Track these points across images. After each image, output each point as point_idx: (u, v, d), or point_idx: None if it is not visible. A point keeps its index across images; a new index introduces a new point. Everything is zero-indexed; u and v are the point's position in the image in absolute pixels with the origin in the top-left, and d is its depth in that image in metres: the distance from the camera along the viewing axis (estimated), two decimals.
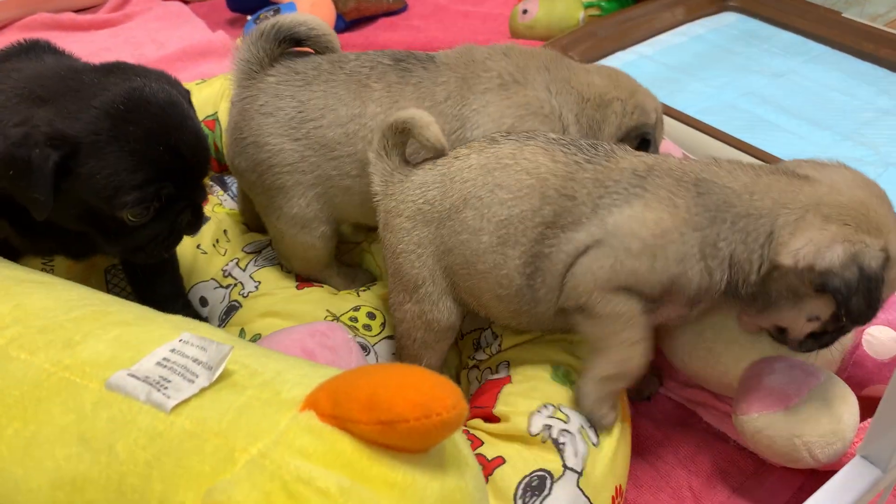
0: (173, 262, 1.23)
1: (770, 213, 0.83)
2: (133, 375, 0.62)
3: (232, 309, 1.22)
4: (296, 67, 1.14)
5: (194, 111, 1.00)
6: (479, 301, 0.98)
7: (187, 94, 1.01)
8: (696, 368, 1.05)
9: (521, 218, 0.91)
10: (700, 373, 1.06)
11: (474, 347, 1.11)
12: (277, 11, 2.02)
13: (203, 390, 0.61)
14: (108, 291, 1.27)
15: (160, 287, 1.22)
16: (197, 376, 0.62)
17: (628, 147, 0.97)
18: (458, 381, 1.13)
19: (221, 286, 1.27)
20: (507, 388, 0.96)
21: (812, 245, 0.81)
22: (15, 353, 0.68)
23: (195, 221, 1.00)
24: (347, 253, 1.37)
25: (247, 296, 1.23)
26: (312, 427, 0.56)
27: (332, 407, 0.57)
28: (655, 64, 1.90)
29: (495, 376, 1.00)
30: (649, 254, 0.85)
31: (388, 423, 0.55)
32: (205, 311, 1.27)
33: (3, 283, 0.80)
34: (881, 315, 0.92)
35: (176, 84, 1.00)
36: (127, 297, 1.25)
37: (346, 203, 1.15)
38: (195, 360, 0.63)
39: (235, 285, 1.26)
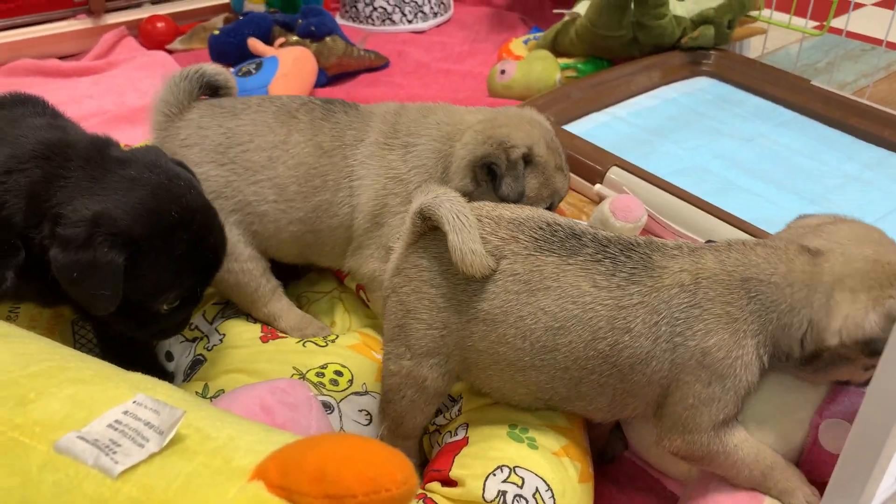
0: None
1: (806, 302, 0.86)
2: (83, 438, 0.62)
3: (197, 363, 1.21)
4: (221, 103, 1.25)
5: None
6: (495, 389, 0.98)
7: (193, 174, 1.07)
8: (655, 461, 1.07)
9: (570, 349, 0.90)
10: (660, 465, 1.07)
11: (434, 412, 1.11)
12: (260, 65, 2.05)
13: (152, 456, 0.60)
14: (75, 341, 1.26)
15: (126, 338, 1.21)
16: (147, 440, 0.61)
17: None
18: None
19: (187, 339, 1.26)
20: (464, 451, 0.96)
21: (849, 320, 0.84)
22: None
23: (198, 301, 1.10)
24: (316, 302, 1.37)
25: (211, 349, 1.22)
26: (260, 498, 0.56)
27: (280, 478, 0.57)
28: (629, 125, 1.94)
29: (454, 439, 1.00)
30: (720, 379, 0.87)
31: (336, 498, 0.54)
32: (171, 366, 1.26)
33: None
34: (838, 408, 0.94)
35: (196, 178, 1.07)
36: (93, 348, 1.25)
37: (264, 231, 1.22)
38: (147, 424, 0.63)
39: (201, 339, 1.25)
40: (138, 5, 2.52)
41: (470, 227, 0.89)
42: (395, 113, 1.26)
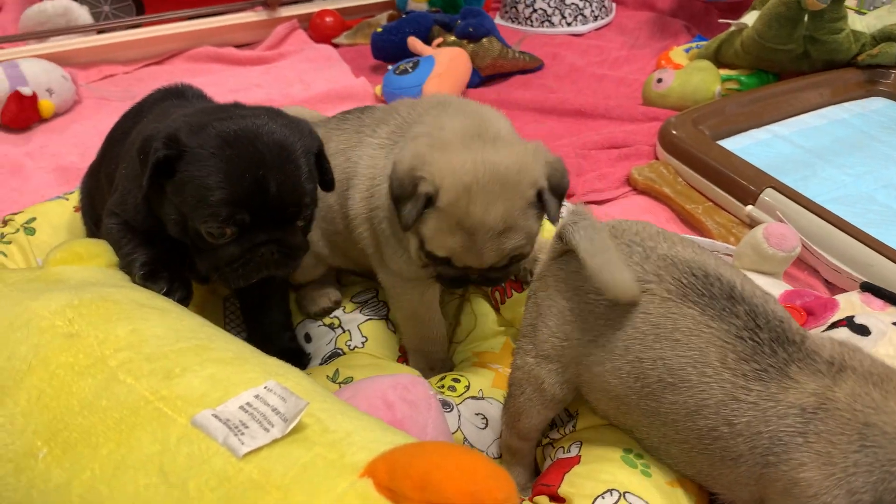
0: (282, 295, 1.31)
1: None
2: (216, 416, 0.67)
3: (335, 355, 1.29)
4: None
5: (321, 162, 1.06)
6: (602, 412, 0.97)
7: (318, 144, 1.06)
8: None
9: (674, 409, 0.86)
10: None
11: (549, 425, 1.11)
12: (416, 64, 2.11)
13: (275, 441, 0.65)
14: (224, 317, 1.36)
15: (268, 318, 1.30)
16: (273, 426, 0.66)
17: (813, 355, 0.82)
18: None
19: (325, 325, 1.34)
20: (575, 469, 0.95)
21: None
22: (122, 376, 0.75)
23: (282, 261, 1.04)
24: (449, 303, 1.40)
25: (353, 349, 1.30)
26: (367, 497, 0.59)
27: (388, 479, 0.59)
28: (790, 145, 1.84)
29: (566, 455, 1.00)
30: None
31: None
32: (309, 348, 1.33)
33: (125, 305, 0.88)
34: None
35: (307, 134, 1.06)
36: (240, 325, 1.35)
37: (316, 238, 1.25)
38: (274, 410, 0.68)
39: (343, 332, 1.32)
40: (311, 0, 2.65)
41: (606, 246, 0.87)
42: (418, 107, 1.17)
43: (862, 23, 2.05)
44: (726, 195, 1.65)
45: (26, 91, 2.07)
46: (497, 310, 1.34)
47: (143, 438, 0.67)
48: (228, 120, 0.99)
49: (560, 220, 0.95)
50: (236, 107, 1.08)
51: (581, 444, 1.01)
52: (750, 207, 1.60)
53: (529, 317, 1.00)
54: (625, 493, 0.90)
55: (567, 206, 1.23)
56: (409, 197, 1.00)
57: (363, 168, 1.18)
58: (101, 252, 1.09)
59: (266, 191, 0.97)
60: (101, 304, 0.87)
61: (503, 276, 1.08)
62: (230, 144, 0.97)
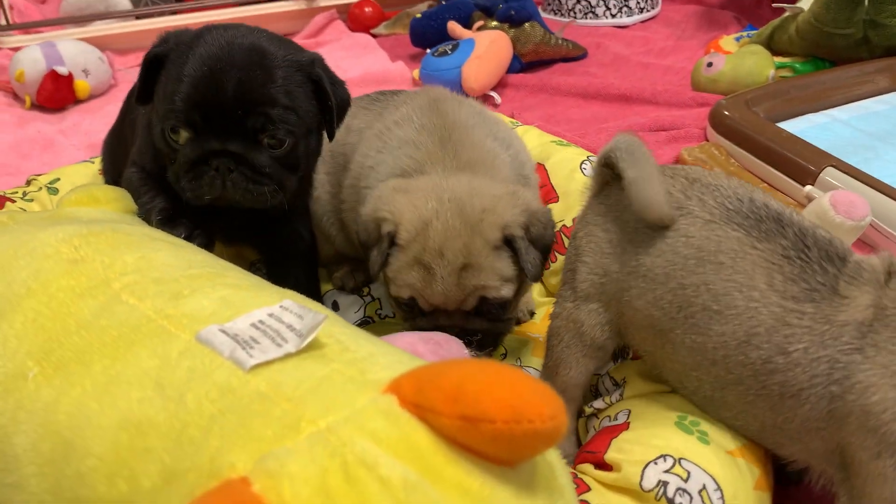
0: (309, 262, 1.24)
1: None
2: (223, 331, 0.60)
3: (364, 323, 1.23)
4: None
5: (320, 85, 0.97)
6: (648, 353, 0.90)
7: (314, 63, 0.97)
8: None
9: (722, 341, 0.78)
10: None
11: (593, 395, 1.01)
12: (456, 47, 2.05)
13: (288, 356, 0.57)
14: None
15: (296, 286, 1.22)
16: (287, 342, 0.58)
17: (864, 270, 0.75)
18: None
19: (355, 292, 1.27)
20: (623, 435, 0.86)
21: None
22: (125, 297, 0.68)
23: (240, 181, 0.94)
24: None
25: (383, 318, 1.23)
26: (390, 412, 0.51)
27: (414, 393, 0.51)
28: (850, 128, 1.73)
29: (613, 423, 0.90)
30: (891, 451, 0.70)
31: (471, 420, 0.48)
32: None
33: (137, 237, 0.82)
34: None
35: (298, 50, 0.99)
36: None
37: (322, 219, 1.24)
38: (289, 327, 0.60)
39: (373, 301, 1.25)
40: None
41: (647, 162, 0.83)
42: (430, 97, 1.14)
43: None
44: (783, 176, 1.55)
45: (62, 70, 2.05)
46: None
47: (140, 354, 0.60)
48: (221, 27, 0.95)
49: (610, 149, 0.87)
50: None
51: (629, 413, 0.92)
52: (809, 188, 1.50)
53: (569, 261, 0.94)
54: (680, 459, 0.80)
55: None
56: (375, 242, 0.97)
57: (362, 150, 1.12)
58: (119, 197, 1.03)
59: (221, 88, 0.90)
60: (112, 234, 0.81)
61: (485, 328, 0.99)
62: (206, 43, 0.93)
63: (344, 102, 1.02)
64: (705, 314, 0.79)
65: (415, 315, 1.00)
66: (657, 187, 0.82)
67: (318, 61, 0.98)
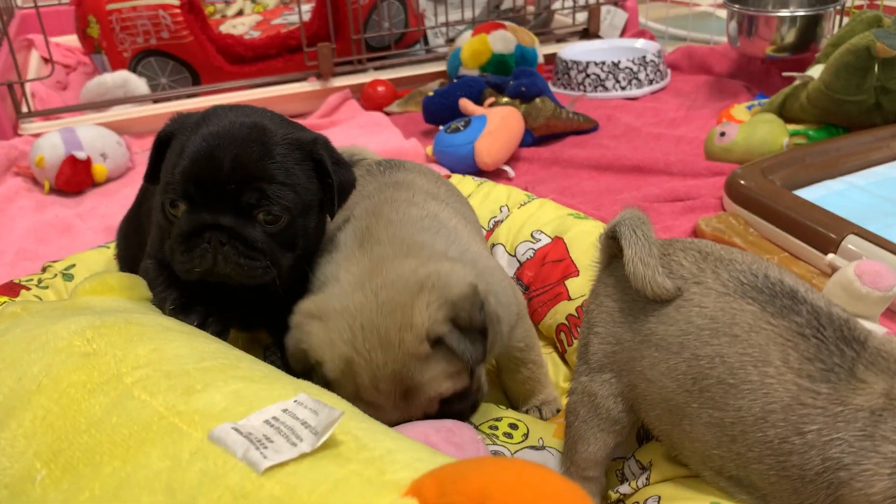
0: None
1: None
2: (237, 430, 0.57)
3: None
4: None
5: (322, 165, 0.97)
6: (664, 434, 0.87)
7: (317, 142, 0.98)
8: None
9: (739, 417, 0.76)
10: None
11: (619, 479, 0.97)
12: (468, 123, 2.07)
13: (303, 456, 0.54)
14: None
15: None
16: (301, 440, 0.56)
17: (882, 349, 0.73)
18: None
19: None
20: None
21: None
22: (137, 393, 0.66)
23: (233, 255, 0.93)
24: None
25: None
26: None
27: (437, 496, 0.48)
28: (868, 195, 1.71)
29: None
30: None
31: None
32: None
33: (150, 328, 0.81)
34: None
35: (300, 130, 1.00)
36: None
37: None
38: (304, 423, 0.58)
39: None
40: (363, 71, 2.67)
41: (645, 241, 0.83)
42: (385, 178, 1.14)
43: None
44: (804, 245, 1.53)
45: (81, 155, 2.08)
46: (563, 357, 1.22)
47: (151, 454, 0.58)
48: (226, 108, 0.98)
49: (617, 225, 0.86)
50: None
51: (659, 499, 0.87)
52: (831, 256, 1.47)
53: (582, 335, 0.93)
54: None
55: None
56: (309, 370, 0.90)
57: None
58: (133, 285, 1.02)
59: (218, 165, 0.91)
60: (125, 325, 0.80)
61: (458, 409, 0.94)
62: (209, 122, 0.95)
63: (347, 183, 1.02)
64: (721, 387, 0.77)
65: None
66: (652, 266, 0.82)
67: (321, 141, 0.99)
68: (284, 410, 0.60)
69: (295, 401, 0.61)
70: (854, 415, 0.70)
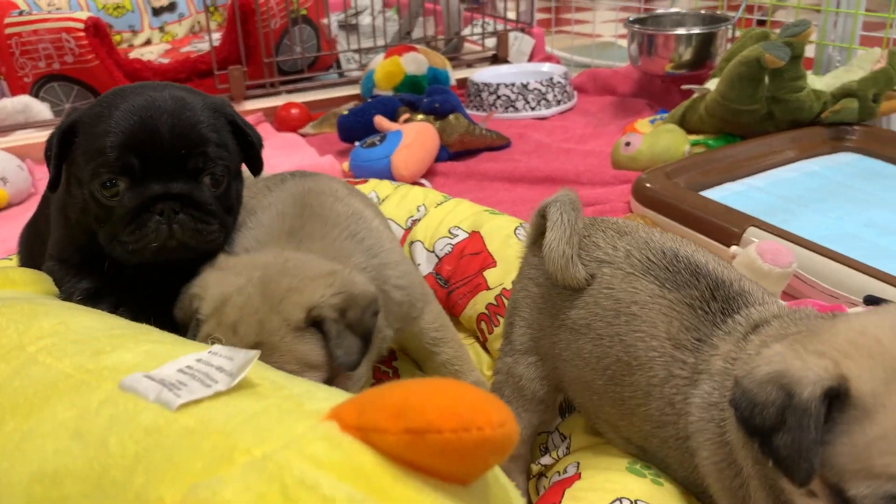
0: None
1: None
2: (149, 377, 0.56)
3: None
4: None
5: (238, 127, 0.97)
6: (582, 407, 0.89)
7: (231, 109, 0.98)
8: None
9: (634, 393, 0.80)
10: None
11: (541, 452, 0.99)
12: (384, 138, 2.09)
13: (219, 394, 0.53)
14: None
15: None
16: (216, 382, 0.55)
17: (746, 318, 0.75)
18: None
19: None
20: (576, 484, 0.83)
21: None
22: (42, 358, 0.63)
23: (189, 222, 0.90)
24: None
25: None
26: (331, 436, 0.47)
27: (356, 417, 0.48)
28: (767, 195, 1.81)
29: (564, 476, 0.87)
30: None
31: (417, 433, 0.45)
32: None
33: (57, 308, 0.78)
34: None
35: (214, 97, 0.99)
36: None
37: None
38: (219, 368, 0.56)
39: None
40: (275, 94, 2.66)
41: (567, 227, 0.84)
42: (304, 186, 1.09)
43: (821, 83, 2.08)
44: (708, 240, 1.59)
45: None
46: (485, 346, 1.23)
47: (56, 408, 0.55)
48: (129, 87, 0.95)
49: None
50: None
51: (578, 464, 0.89)
52: (734, 247, 1.53)
53: (508, 315, 0.95)
54: (636, 500, 0.77)
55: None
56: (189, 318, 0.87)
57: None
58: (38, 280, 0.98)
59: (157, 132, 0.88)
60: (28, 305, 0.77)
61: None
62: (125, 99, 0.91)
63: (259, 139, 1.02)
64: (619, 365, 0.80)
65: None
66: (567, 255, 0.83)
67: (227, 102, 0.99)
68: (198, 360, 0.59)
69: (209, 351, 0.60)
70: (703, 381, 0.72)
